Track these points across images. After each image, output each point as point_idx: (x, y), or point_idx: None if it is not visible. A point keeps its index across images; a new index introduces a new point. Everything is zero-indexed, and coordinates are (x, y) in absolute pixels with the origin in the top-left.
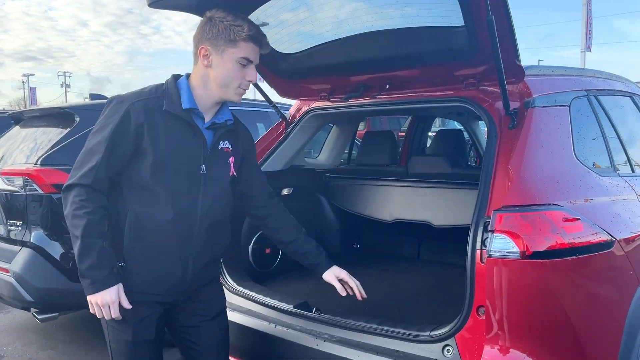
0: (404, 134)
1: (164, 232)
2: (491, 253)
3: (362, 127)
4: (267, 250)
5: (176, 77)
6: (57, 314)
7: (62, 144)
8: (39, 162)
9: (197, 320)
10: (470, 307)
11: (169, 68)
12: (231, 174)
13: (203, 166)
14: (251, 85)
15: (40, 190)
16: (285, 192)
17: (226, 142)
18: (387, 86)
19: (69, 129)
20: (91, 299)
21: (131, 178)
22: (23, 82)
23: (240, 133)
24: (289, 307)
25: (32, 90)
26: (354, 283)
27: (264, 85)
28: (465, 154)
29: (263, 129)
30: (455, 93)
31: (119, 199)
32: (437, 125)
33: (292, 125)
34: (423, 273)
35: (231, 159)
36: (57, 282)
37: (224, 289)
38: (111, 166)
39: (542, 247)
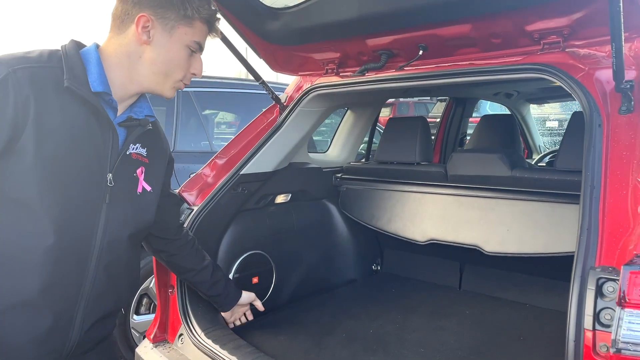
0: (432, 120)
1: (40, 268)
2: (620, 346)
3: (387, 113)
4: (255, 280)
5: (79, 45)
6: None
7: None
8: None
9: None
10: None
11: None
12: (139, 190)
13: (110, 176)
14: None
15: None
16: (281, 199)
17: (137, 146)
18: (421, 52)
19: None
20: None
21: None
22: None
23: (157, 136)
24: None
25: None
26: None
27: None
28: (521, 150)
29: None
30: (527, 59)
31: None
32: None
33: (289, 109)
34: (469, 316)
35: (140, 170)
36: None
37: (189, 340)
38: None
39: None
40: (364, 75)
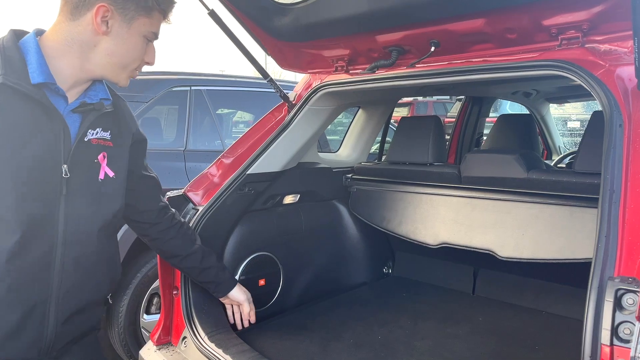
0: (450, 120)
1: (4, 266)
2: None
3: (404, 113)
4: (261, 282)
5: (18, 35)
6: None
7: None
8: None
9: None
10: None
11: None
12: (101, 176)
13: (65, 167)
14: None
15: None
16: (289, 199)
17: (98, 130)
18: (433, 48)
19: None
20: None
21: None
22: None
23: (121, 117)
24: None
25: None
26: (247, 310)
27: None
28: (540, 151)
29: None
30: (544, 55)
31: None
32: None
33: (297, 107)
34: (482, 323)
35: (101, 155)
36: None
37: (192, 343)
38: None
39: None
40: (374, 72)
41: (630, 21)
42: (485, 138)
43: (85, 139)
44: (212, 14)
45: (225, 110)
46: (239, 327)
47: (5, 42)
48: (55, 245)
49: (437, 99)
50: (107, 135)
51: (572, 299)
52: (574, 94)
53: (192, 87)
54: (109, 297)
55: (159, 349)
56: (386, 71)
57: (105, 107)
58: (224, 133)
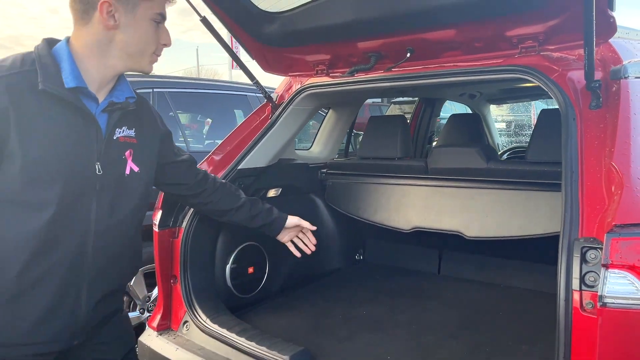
0: None
1: (43, 259)
2: (606, 300)
3: None
4: (250, 270)
5: (51, 43)
6: None
7: None
8: None
9: None
10: None
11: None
12: (127, 171)
13: (98, 165)
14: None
15: None
16: (272, 193)
17: (124, 128)
18: (408, 54)
19: None
20: None
21: None
22: None
23: (144, 114)
24: (285, 359)
25: None
26: (307, 226)
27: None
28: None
29: (242, 117)
30: (507, 61)
31: None
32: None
33: (281, 108)
34: (450, 297)
35: (128, 152)
36: None
37: (195, 326)
38: None
39: None
40: (353, 75)
41: (578, 33)
42: (435, 137)
43: (114, 137)
44: (204, 21)
45: (186, 113)
46: (309, 252)
47: (40, 50)
48: (88, 236)
49: (373, 102)
50: (132, 132)
51: (524, 273)
52: (512, 95)
53: (155, 89)
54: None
55: (160, 334)
56: (365, 74)
57: (130, 106)
58: (187, 134)
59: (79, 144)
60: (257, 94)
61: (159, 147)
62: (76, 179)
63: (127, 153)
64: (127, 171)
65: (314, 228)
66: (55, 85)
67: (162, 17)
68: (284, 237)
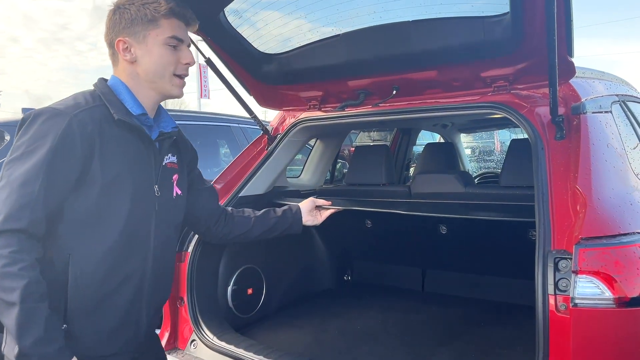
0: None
1: (117, 272)
2: (576, 302)
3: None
4: (250, 291)
5: (104, 81)
6: None
7: None
8: None
9: None
10: None
11: None
12: (174, 194)
13: (156, 187)
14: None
15: None
16: None
17: (169, 155)
18: (394, 92)
19: None
20: None
21: (71, 212)
22: None
23: (180, 142)
24: None
25: None
26: (322, 202)
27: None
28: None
29: (225, 146)
30: (482, 98)
31: (53, 242)
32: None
33: (278, 140)
34: (437, 311)
35: (175, 177)
36: None
37: (203, 345)
38: (50, 200)
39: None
40: (344, 110)
41: (544, 75)
42: (413, 163)
43: (163, 163)
44: (209, 62)
45: None
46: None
47: (101, 88)
48: (149, 252)
49: None
50: (175, 159)
51: (500, 288)
52: (481, 125)
53: None
54: None
55: (169, 354)
56: (355, 109)
57: (175, 135)
58: None
59: (143, 168)
60: (240, 125)
61: (190, 172)
62: (141, 199)
63: (174, 177)
64: (174, 194)
65: (329, 203)
66: (127, 114)
67: (177, 39)
68: (308, 223)
